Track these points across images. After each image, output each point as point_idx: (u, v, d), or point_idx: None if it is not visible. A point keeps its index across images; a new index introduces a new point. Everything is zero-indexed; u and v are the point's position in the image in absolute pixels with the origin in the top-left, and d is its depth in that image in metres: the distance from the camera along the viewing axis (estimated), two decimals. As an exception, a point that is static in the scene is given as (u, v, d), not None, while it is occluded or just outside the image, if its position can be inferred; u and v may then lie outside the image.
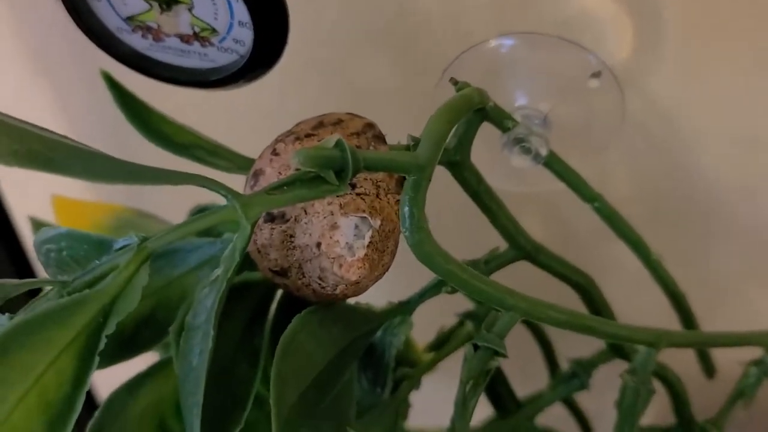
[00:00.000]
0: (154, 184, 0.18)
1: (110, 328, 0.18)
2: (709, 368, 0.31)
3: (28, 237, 0.37)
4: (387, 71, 0.31)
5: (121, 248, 0.19)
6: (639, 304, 0.31)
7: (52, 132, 0.19)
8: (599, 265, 0.29)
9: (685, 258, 0.36)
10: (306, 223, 0.21)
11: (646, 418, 0.31)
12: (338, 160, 0.18)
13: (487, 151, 0.24)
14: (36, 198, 0.33)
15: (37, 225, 0.28)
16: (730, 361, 0.31)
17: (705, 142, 0.32)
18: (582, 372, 0.28)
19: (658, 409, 0.32)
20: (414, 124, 0.22)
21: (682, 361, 0.32)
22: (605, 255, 0.29)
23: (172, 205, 0.29)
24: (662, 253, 0.29)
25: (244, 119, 0.28)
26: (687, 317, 0.28)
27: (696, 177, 0.33)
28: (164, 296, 0.24)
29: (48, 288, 0.20)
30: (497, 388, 0.29)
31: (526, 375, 0.32)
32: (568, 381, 0.28)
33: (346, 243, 0.20)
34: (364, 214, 0.20)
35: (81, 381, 0.18)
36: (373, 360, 0.27)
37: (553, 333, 0.30)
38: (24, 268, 0.36)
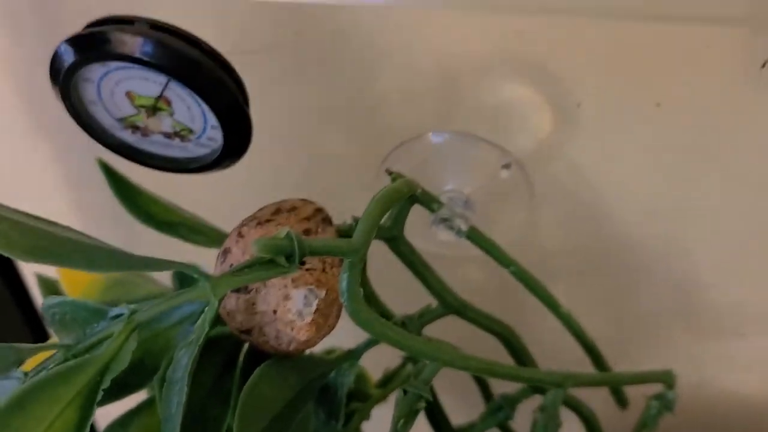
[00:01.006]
0: (145, 271, 0.22)
1: (106, 384, 0.23)
2: (621, 401, 0.36)
3: (37, 295, 0.42)
4: (344, 143, 0.36)
5: (114, 316, 0.24)
6: (563, 343, 0.36)
7: (57, 225, 0.23)
8: (524, 312, 0.34)
9: (611, 303, 0.41)
10: (265, 294, 0.25)
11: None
12: (287, 249, 0.23)
13: (420, 224, 0.29)
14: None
15: (43, 281, 0.32)
16: (642, 394, 0.36)
17: (621, 203, 0.37)
18: (507, 405, 0.33)
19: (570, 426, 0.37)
20: (368, 188, 0.26)
21: (600, 395, 0.37)
22: (530, 304, 0.33)
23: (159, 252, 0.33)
24: (590, 299, 0.34)
25: (219, 191, 0.33)
26: (596, 359, 0.33)
27: (616, 233, 0.38)
28: (151, 346, 0.28)
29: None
30: (436, 417, 0.33)
31: (468, 404, 0.37)
32: (496, 413, 0.33)
33: (297, 310, 0.25)
34: (312, 286, 0.25)
35: (82, 427, 0.22)
36: (328, 397, 0.32)
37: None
38: (34, 321, 0.40)
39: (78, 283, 0.31)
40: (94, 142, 0.29)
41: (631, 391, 0.37)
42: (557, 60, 0.33)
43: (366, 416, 0.32)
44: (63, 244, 0.22)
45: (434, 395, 0.33)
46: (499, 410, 0.33)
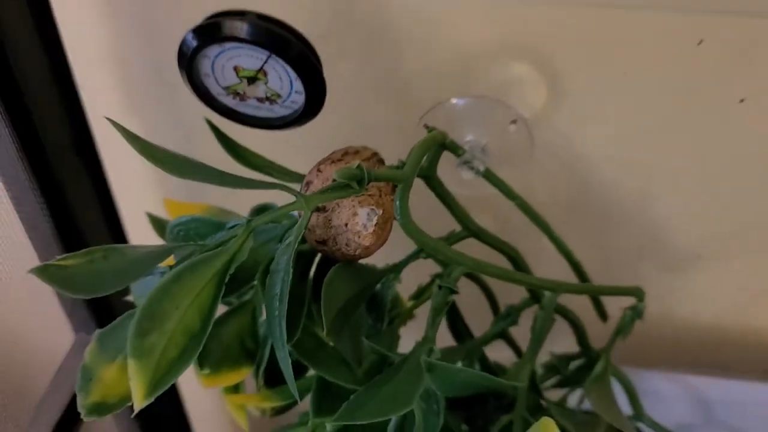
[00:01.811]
0: (258, 188, 0.31)
1: (232, 270, 0.32)
2: (602, 314, 0.45)
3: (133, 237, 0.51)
4: (386, 112, 0.46)
5: (233, 226, 0.33)
6: (555, 264, 0.45)
7: (178, 154, 0.33)
8: (525, 239, 0.43)
9: (590, 243, 0.51)
10: (338, 212, 0.34)
11: (561, 349, 0.46)
12: (359, 175, 0.32)
13: (448, 168, 0.39)
14: (148, 202, 0.47)
15: (153, 219, 0.41)
16: (618, 309, 0.46)
17: (601, 160, 0.47)
18: (513, 313, 0.42)
19: (569, 344, 0.46)
20: (405, 147, 0.36)
21: (585, 310, 0.46)
22: (530, 232, 0.43)
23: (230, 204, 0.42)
24: (575, 238, 0.43)
25: (296, 145, 0.43)
26: (581, 276, 0.42)
27: (593, 184, 0.48)
28: (255, 254, 0.37)
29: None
30: (457, 324, 0.43)
31: (481, 320, 0.46)
32: (505, 319, 0.42)
33: (363, 223, 0.34)
34: (373, 207, 0.34)
35: (217, 298, 0.31)
36: (375, 305, 0.41)
37: (494, 287, 0.44)
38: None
39: (182, 212, 0.40)
40: (203, 105, 0.38)
41: (610, 309, 0.46)
42: (550, 45, 0.42)
43: (403, 322, 0.42)
44: (197, 169, 0.31)
45: (455, 308, 0.43)
46: (507, 317, 0.43)
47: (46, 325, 0.51)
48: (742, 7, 0.38)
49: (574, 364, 0.46)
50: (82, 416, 0.31)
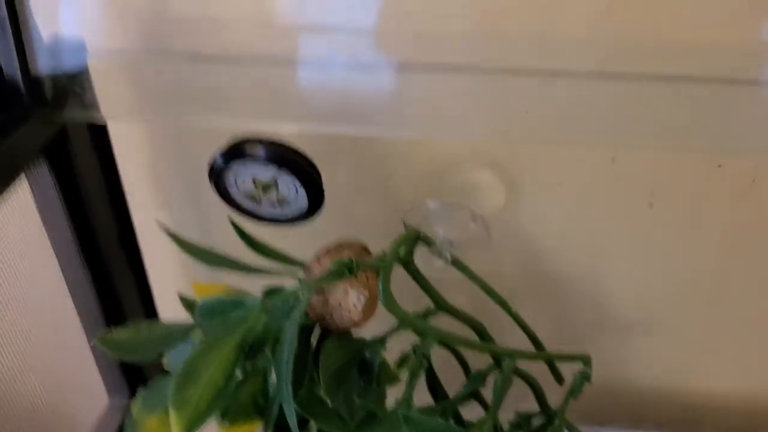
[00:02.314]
0: (270, 274, 0.41)
1: (250, 339, 0.40)
2: (558, 378, 0.53)
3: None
4: (372, 211, 0.56)
5: (249, 303, 0.42)
6: (513, 334, 0.53)
7: (209, 249, 0.42)
8: (488, 315, 0.52)
9: (547, 316, 0.59)
10: (333, 293, 0.43)
11: (525, 409, 0.54)
12: (349, 265, 0.41)
13: (424, 257, 0.48)
14: (179, 285, 0.56)
15: (184, 299, 0.50)
16: (571, 373, 0.54)
17: (554, 246, 0.56)
18: (480, 376, 0.50)
19: (532, 405, 0.54)
20: (388, 240, 0.45)
21: (544, 374, 0.54)
22: (491, 309, 0.51)
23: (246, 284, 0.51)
24: (533, 312, 0.52)
25: (300, 238, 0.52)
26: (536, 343, 0.51)
27: (547, 266, 0.57)
28: (265, 328, 0.46)
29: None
30: (434, 386, 0.51)
31: (456, 383, 0.54)
32: (474, 381, 0.51)
33: (353, 303, 0.43)
34: (361, 288, 0.43)
35: (236, 362, 0.39)
36: (365, 369, 0.49)
37: (466, 355, 0.53)
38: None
39: (207, 293, 0.49)
40: (227, 205, 0.47)
41: (566, 373, 0.54)
42: (509, 157, 0.52)
43: (389, 383, 0.50)
44: (222, 260, 0.41)
45: (433, 372, 0.51)
46: (476, 380, 0.51)
47: (84, 391, 0.59)
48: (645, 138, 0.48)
49: (536, 422, 0.53)
50: (130, 457, 0.39)
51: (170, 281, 0.60)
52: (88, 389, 0.58)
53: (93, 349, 0.55)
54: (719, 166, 0.47)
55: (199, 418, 0.37)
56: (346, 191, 0.55)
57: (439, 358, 0.49)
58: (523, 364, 0.50)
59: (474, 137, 0.47)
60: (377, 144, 0.53)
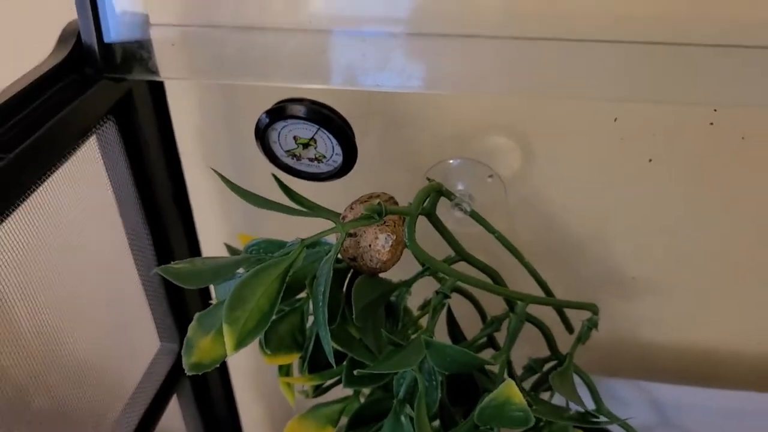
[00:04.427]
0: (305, 217, 0.46)
1: (291, 272, 0.46)
2: (568, 326, 0.58)
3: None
4: (400, 170, 0.61)
5: (290, 244, 0.48)
6: (526, 284, 0.58)
7: (257, 194, 0.48)
8: (505, 266, 0.57)
9: (557, 272, 0.64)
10: (364, 236, 0.49)
11: (533, 353, 0.59)
12: (378, 210, 0.47)
13: (445, 210, 0.53)
14: (223, 235, 0.62)
15: (230, 248, 0.56)
16: (579, 321, 0.59)
17: (566, 208, 0.61)
18: (496, 321, 0.55)
19: (543, 352, 0.59)
20: (413, 195, 0.50)
21: (555, 323, 0.59)
22: (510, 262, 0.56)
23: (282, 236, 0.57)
24: (544, 270, 0.57)
25: (335, 192, 0.58)
26: (547, 291, 0.56)
27: (560, 225, 0.62)
28: (303, 268, 0.51)
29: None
30: (454, 331, 0.56)
31: (473, 329, 0.59)
32: (490, 326, 0.56)
33: (382, 245, 0.49)
34: (389, 233, 0.49)
35: (279, 294, 0.45)
36: (391, 311, 0.55)
37: (483, 303, 0.58)
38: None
39: (252, 245, 0.55)
40: (270, 162, 0.53)
41: (575, 323, 0.59)
42: (524, 123, 0.57)
43: (412, 327, 0.55)
44: (269, 203, 0.47)
45: (453, 318, 0.56)
46: (491, 324, 0.56)
47: (139, 335, 0.65)
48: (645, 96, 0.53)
49: (547, 366, 0.58)
50: (186, 372, 0.45)
51: (215, 237, 0.66)
52: (143, 334, 0.64)
53: (148, 296, 0.62)
54: (711, 124, 0.51)
55: (248, 335, 0.43)
56: (378, 151, 0.61)
57: (458, 309, 0.55)
58: (536, 313, 0.55)
59: (500, 91, 0.52)
60: (407, 110, 0.58)
